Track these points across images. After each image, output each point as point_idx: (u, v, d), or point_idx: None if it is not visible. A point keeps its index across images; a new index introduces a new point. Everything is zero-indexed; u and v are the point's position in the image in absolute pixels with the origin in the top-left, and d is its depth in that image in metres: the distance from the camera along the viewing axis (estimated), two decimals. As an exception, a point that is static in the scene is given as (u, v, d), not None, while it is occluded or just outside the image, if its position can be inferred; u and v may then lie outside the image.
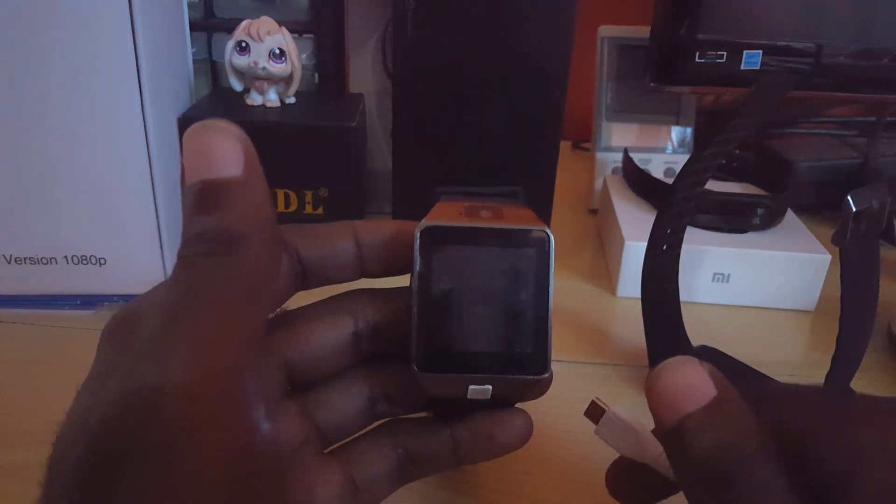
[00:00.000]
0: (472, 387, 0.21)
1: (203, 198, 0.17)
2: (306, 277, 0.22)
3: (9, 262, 0.39)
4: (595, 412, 0.23)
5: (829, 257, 0.43)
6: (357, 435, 0.24)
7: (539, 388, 0.22)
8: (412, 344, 0.21)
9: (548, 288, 0.21)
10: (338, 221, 0.23)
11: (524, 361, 0.21)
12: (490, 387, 0.21)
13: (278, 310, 0.23)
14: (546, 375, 0.21)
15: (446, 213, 0.22)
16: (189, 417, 0.15)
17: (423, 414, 0.24)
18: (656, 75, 0.46)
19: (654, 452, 0.22)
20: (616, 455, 0.23)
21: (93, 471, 0.14)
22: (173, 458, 0.14)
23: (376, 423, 0.24)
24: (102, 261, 0.40)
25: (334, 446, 0.24)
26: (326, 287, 0.23)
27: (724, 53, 0.42)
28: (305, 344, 0.22)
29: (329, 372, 0.23)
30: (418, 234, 0.21)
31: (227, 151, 0.17)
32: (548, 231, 0.21)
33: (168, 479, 0.14)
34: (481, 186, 0.25)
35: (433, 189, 0.25)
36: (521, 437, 0.23)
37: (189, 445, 0.15)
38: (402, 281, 0.22)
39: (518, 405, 0.24)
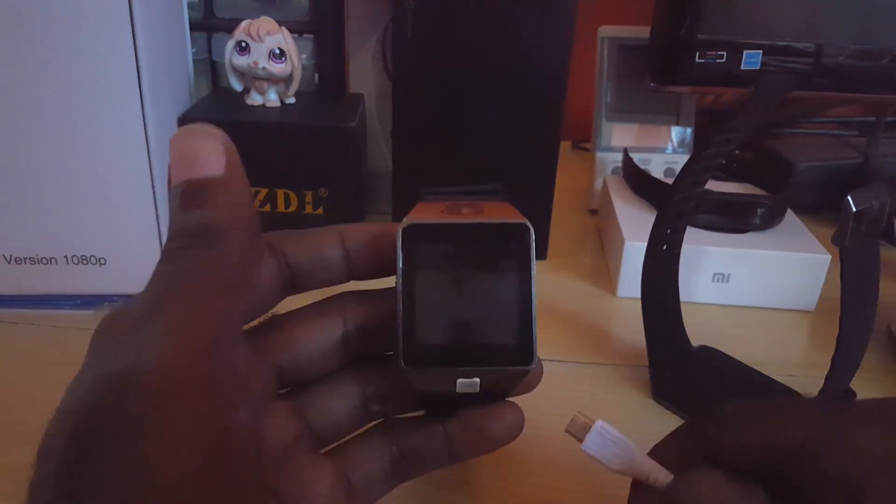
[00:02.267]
0: (460, 380, 0.21)
1: (186, 196, 0.18)
2: (295, 282, 0.23)
3: (9, 262, 0.39)
4: (579, 427, 0.22)
5: (829, 257, 0.43)
6: (351, 435, 0.24)
7: (528, 379, 0.22)
8: (398, 341, 0.21)
9: (530, 279, 0.21)
10: (324, 226, 0.23)
11: (510, 353, 0.21)
12: (478, 380, 0.21)
13: (268, 314, 0.23)
14: (533, 365, 0.21)
15: (427, 212, 0.22)
16: (163, 394, 0.15)
17: (418, 412, 0.24)
18: (656, 75, 0.46)
19: (647, 468, 0.22)
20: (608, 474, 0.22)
21: (74, 452, 0.15)
22: (147, 432, 0.15)
23: (371, 424, 0.25)
24: (102, 261, 0.40)
25: (329, 447, 0.24)
26: (315, 291, 0.23)
27: (724, 53, 0.42)
28: (295, 346, 0.23)
29: (320, 373, 0.24)
30: (400, 233, 0.21)
31: (209, 153, 0.18)
32: (527, 223, 0.21)
33: (142, 452, 0.15)
34: (463, 186, 0.25)
35: (419, 190, 0.25)
36: (512, 429, 0.23)
37: (163, 420, 0.15)
38: (391, 282, 0.22)
39: (514, 401, 0.24)
